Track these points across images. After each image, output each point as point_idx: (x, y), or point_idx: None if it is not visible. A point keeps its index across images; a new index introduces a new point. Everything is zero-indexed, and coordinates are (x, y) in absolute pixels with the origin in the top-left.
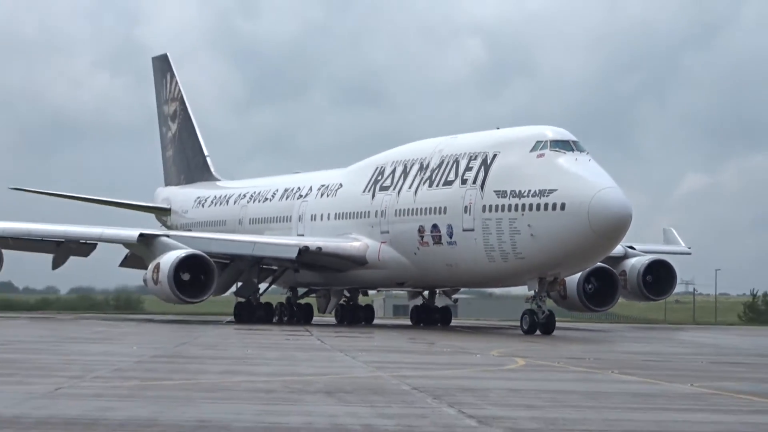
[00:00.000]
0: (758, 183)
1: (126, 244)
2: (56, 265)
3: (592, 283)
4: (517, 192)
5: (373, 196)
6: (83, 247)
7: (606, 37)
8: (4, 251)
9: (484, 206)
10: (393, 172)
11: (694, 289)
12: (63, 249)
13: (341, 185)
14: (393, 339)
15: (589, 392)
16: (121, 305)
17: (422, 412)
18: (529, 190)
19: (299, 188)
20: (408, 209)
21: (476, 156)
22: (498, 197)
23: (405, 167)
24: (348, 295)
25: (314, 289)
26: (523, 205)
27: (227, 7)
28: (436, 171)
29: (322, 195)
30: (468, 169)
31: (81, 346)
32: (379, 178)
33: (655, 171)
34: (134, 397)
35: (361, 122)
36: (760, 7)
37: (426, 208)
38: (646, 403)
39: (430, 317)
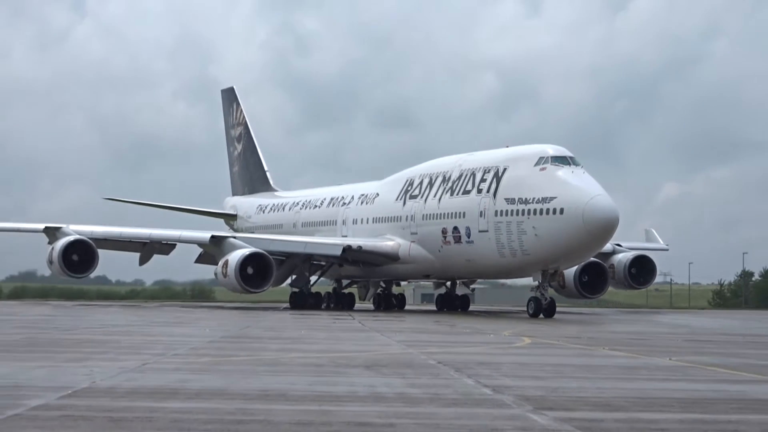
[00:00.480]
0: (723, 191)
1: (200, 244)
2: (142, 261)
3: (586, 274)
4: (524, 199)
5: (404, 203)
6: (165, 246)
7: (597, 70)
8: (99, 250)
9: (496, 211)
10: (420, 183)
11: (671, 280)
12: (148, 248)
13: (378, 195)
14: (421, 322)
15: (584, 365)
16: (196, 295)
17: (446, 382)
18: (534, 198)
19: (343, 197)
20: (433, 214)
21: (489, 170)
22: (508, 204)
23: (430, 179)
24: (384, 285)
25: (355, 281)
26: (529, 210)
27: (284, 48)
28: (456, 182)
29: (362, 203)
30: (483, 180)
31: (163, 329)
32: (409, 188)
33: (637, 181)
34: (207, 371)
35: (395, 142)
36: (724, 47)
37: (448, 213)
38: (631, 374)
39: (452, 304)
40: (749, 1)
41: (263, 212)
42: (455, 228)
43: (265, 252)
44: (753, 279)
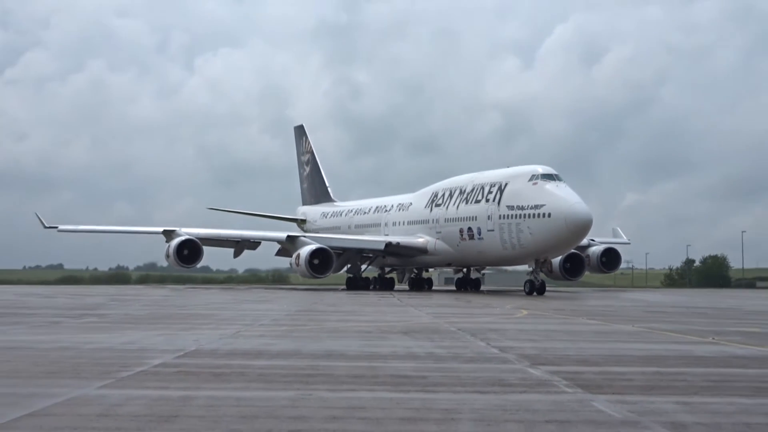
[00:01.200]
0: (671, 199)
1: (279, 241)
2: (236, 255)
3: (568, 262)
4: (521, 206)
5: (431, 210)
6: (252, 244)
7: (576, 110)
8: (204, 247)
9: (500, 215)
10: (443, 195)
11: (632, 266)
12: (240, 245)
13: (411, 204)
14: (444, 299)
15: (568, 331)
16: (276, 280)
17: (464, 344)
18: (528, 205)
19: (385, 206)
20: (453, 218)
21: (495, 184)
22: (509, 210)
23: (450, 192)
24: (416, 271)
25: (395, 268)
26: (525, 215)
27: (342, 94)
28: (470, 194)
29: (399, 210)
30: (490, 192)
31: (251, 306)
32: (435, 199)
33: (606, 192)
34: (285, 337)
35: (424, 164)
36: (671, 91)
37: (464, 217)
38: (604, 337)
39: (468, 285)
40: (690, 58)
41: (326, 217)
42: (469, 228)
43: (327, 247)
44: (695, 265)
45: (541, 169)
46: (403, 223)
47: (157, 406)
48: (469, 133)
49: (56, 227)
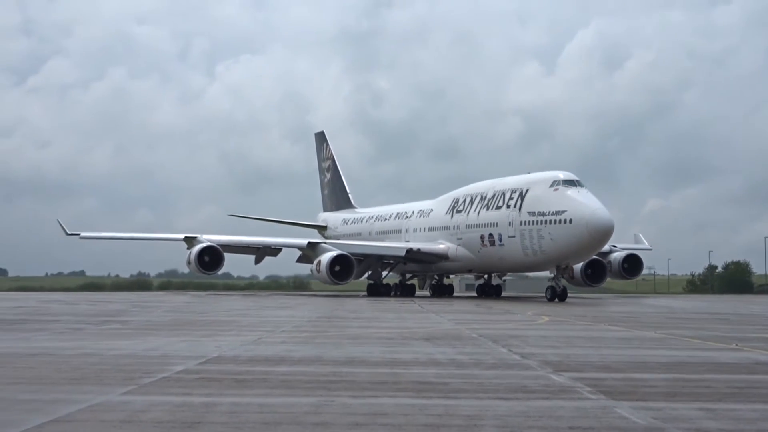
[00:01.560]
0: (695, 205)
1: (300, 248)
2: (257, 262)
3: (590, 268)
4: (542, 212)
5: (452, 216)
6: (273, 250)
7: (599, 113)
8: (225, 254)
9: (521, 221)
10: (464, 201)
11: (654, 272)
12: (261, 252)
13: (432, 210)
14: (465, 305)
15: (590, 337)
16: (297, 286)
17: (486, 350)
18: (549, 211)
19: (406, 212)
20: (473, 224)
21: (516, 190)
22: (530, 216)
23: (471, 198)
24: (437, 277)
25: (416, 274)
26: (546, 221)
27: (363, 100)
28: (491, 200)
29: (420, 216)
30: (511, 198)
31: (273, 312)
32: (456, 205)
33: (628, 197)
34: (307, 343)
35: (445, 170)
36: (693, 96)
37: (485, 223)
38: (626, 344)
39: (489, 291)
40: (712, 62)
41: (347, 224)
42: (490, 234)
43: (348, 254)
44: (717, 271)
45: (562, 174)
46: (424, 230)
47: (180, 412)
48: (490, 138)
49: (78, 234)
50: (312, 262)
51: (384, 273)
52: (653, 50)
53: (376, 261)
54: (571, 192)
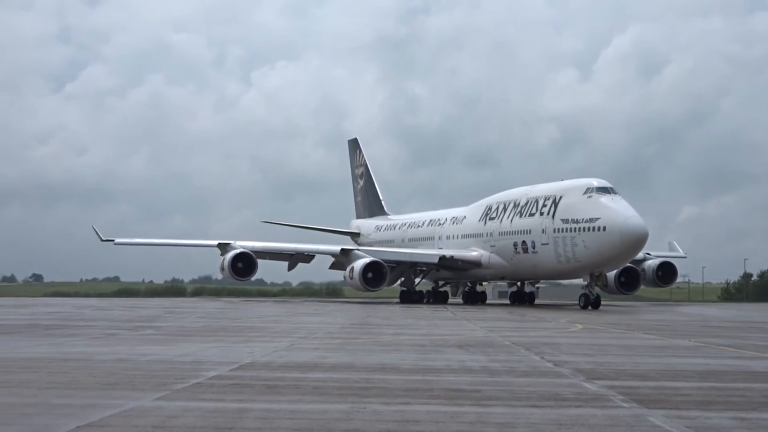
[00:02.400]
0: (729, 212)
1: (333, 255)
2: (290, 268)
3: (624, 276)
4: (575, 220)
5: (485, 223)
6: (306, 257)
7: (634, 120)
8: (258, 260)
9: (554, 229)
10: (497, 208)
11: (689, 280)
12: (294, 258)
13: (465, 217)
14: (498, 313)
15: (623, 345)
16: (330, 293)
17: (519, 358)
18: (583, 219)
19: (439, 219)
20: (507, 231)
21: (549, 198)
22: (563, 223)
23: (504, 205)
24: (470, 284)
25: (448, 281)
26: (579, 228)
27: (398, 107)
28: (524, 207)
29: (453, 223)
30: (544, 206)
31: (305, 318)
32: (489, 212)
33: (663, 205)
34: (339, 349)
35: (480, 177)
36: (731, 103)
37: (518, 231)
38: (660, 352)
39: (522, 299)
40: (750, 68)
41: (379, 231)
42: (524, 242)
43: (381, 260)
44: (752, 279)
45: (596, 182)
46: (457, 237)
47: (213, 418)
48: (526, 145)
49: (113, 240)
50: (345, 269)
51: (417, 280)
52: (691, 57)
53: (408, 268)
54: (605, 199)
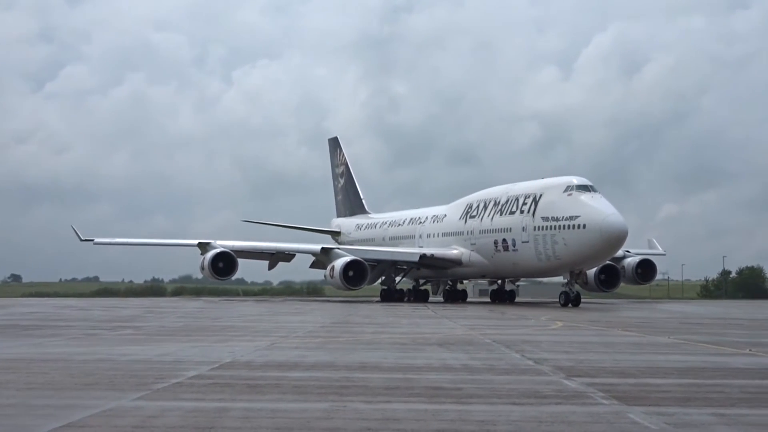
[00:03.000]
0: (708, 210)
1: (313, 253)
2: (270, 267)
3: (603, 274)
4: (556, 217)
5: (465, 221)
6: (287, 256)
7: (616, 119)
8: (238, 259)
9: (535, 227)
10: (478, 206)
11: (668, 277)
12: (275, 258)
13: (446, 215)
14: (479, 311)
15: (603, 342)
16: (310, 292)
17: (499, 356)
18: (563, 216)
19: (419, 218)
20: (487, 229)
21: (529, 195)
22: (543, 221)
23: (485, 203)
24: (450, 283)
25: (429, 280)
26: (559, 226)
27: (380, 106)
28: (504, 205)
29: (433, 222)
30: (524, 204)
31: (286, 318)
32: (469, 210)
33: (644, 202)
34: (320, 348)
35: (462, 176)
36: (711, 102)
37: (498, 229)
38: (640, 349)
39: (502, 297)
40: (730, 68)
41: (360, 229)
42: (504, 240)
43: (361, 259)
44: (731, 276)
45: (576, 180)
46: (438, 235)
47: (193, 417)
48: (507, 143)
49: (92, 240)
50: (326, 268)
51: (397, 278)
52: (671, 55)
53: (389, 266)
54: (585, 197)
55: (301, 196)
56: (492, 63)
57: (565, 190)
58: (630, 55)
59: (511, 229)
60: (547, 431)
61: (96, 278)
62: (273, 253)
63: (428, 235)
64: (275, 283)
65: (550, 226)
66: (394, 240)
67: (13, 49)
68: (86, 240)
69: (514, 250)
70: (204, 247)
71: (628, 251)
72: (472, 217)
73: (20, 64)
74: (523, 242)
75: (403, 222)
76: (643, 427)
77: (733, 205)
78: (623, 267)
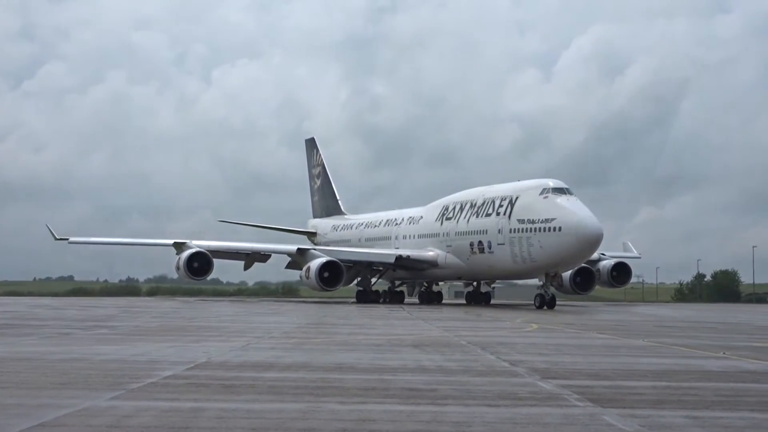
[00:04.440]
0: (686, 213)
1: (289, 254)
2: (246, 268)
3: (579, 276)
4: (531, 220)
5: (442, 223)
6: (263, 256)
7: (593, 122)
8: (214, 259)
9: (510, 229)
10: (454, 208)
11: (643, 280)
12: (250, 258)
13: (422, 217)
14: (454, 313)
15: (578, 345)
16: (286, 292)
17: (474, 357)
18: (539, 219)
19: (395, 219)
20: (463, 231)
21: (506, 198)
22: (519, 223)
23: (461, 205)
24: (426, 284)
25: (405, 281)
26: (535, 228)
27: (360, 107)
28: (481, 207)
29: (410, 223)
30: (500, 206)
31: (261, 318)
32: (445, 212)
33: (622, 206)
34: (295, 349)
35: (441, 177)
36: (690, 106)
37: (474, 231)
38: (614, 351)
39: (478, 298)
40: (710, 73)
41: (336, 230)
42: (480, 242)
43: (337, 260)
44: (705, 280)
45: (551, 182)
46: (414, 237)
47: (168, 417)
48: (488, 146)
49: (67, 239)
50: (301, 269)
51: (373, 280)
52: (652, 58)
53: (365, 267)
54: (561, 200)
55: (280, 196)
56: (474, 65)
57: (541, 193)
58: (610, 58)
59: (487, 231)
60: None
61: (71, 277)
62: (249, 254)
63: (404, 237)
64: (251, 283)
65: (526, 229)
66: (371, 241)
67: None
68: (61, 239)
69: (489, 252)
70: (180, 246)
71: (603, 254)
72: (448, 218)
73: (0, 61)
74: (498, 244)
75: (380, 223)
76: (617, 429)
77: (710, 209)
78: (598, 270)
